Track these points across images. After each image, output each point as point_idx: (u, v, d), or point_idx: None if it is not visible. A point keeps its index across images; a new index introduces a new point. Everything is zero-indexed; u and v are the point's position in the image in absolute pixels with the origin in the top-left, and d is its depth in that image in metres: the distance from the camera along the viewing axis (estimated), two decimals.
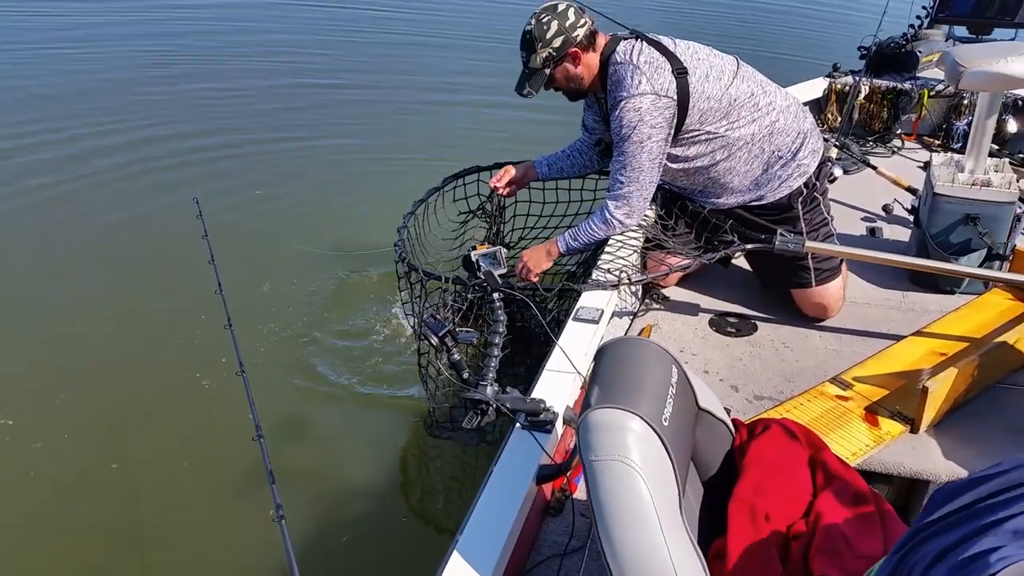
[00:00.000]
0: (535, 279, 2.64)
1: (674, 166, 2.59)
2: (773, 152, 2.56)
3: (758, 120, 2.51)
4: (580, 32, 2.48)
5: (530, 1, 2.61)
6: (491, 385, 1.67)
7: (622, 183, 2.51)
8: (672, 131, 2.47)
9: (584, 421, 1.18)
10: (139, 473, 2.75)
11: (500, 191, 2.93)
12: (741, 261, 2.91)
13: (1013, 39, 3.81)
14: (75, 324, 3.51)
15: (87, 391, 3.10)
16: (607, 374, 1.27)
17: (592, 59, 2.52)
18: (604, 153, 2.84)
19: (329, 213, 4.61)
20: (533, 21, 2.50)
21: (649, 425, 1.16)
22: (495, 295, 1.83)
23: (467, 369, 1.70)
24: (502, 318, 1.81)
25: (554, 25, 2.47)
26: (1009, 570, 0.78)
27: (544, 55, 2.50)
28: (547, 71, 2.53)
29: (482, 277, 1.84)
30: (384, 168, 5.23)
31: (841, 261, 2.68)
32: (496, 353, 1.76)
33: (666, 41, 2.50)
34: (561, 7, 2.50)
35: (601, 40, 2.53)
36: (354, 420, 3.05)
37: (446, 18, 9.10)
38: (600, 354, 1.34)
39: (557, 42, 2.48)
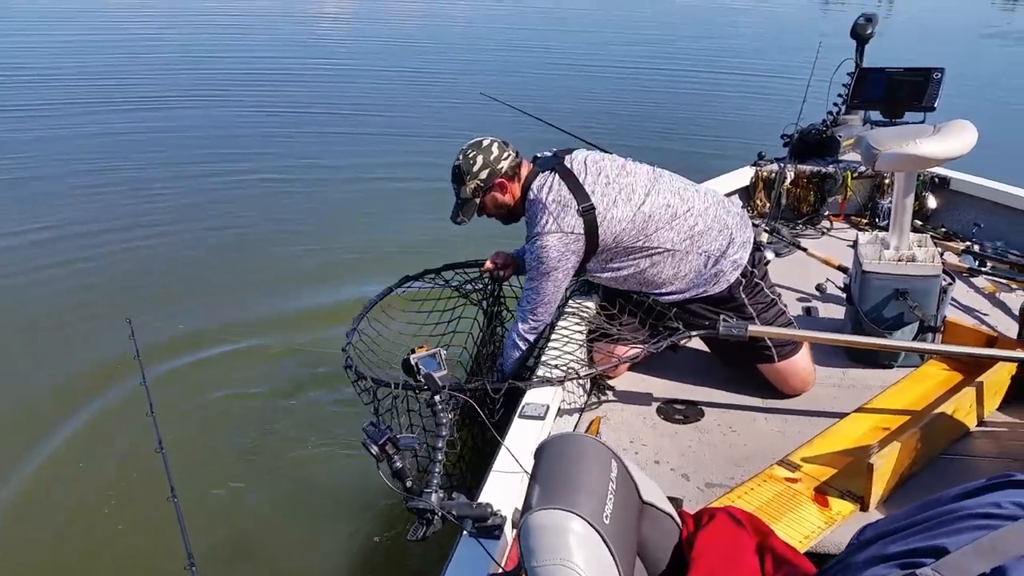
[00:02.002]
0: None
1: (603, 276, 2.76)
2: (701, 253, 2.67)
3: (676, 227, 2.65)
4: (504, 164, 2.71)
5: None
6: (436, 492, 1.63)
7: (531, 305, 2.75)
8: (580, 258, 2.68)
9: (524, 525, 1.16)
10: None
11: (497, 273, 3.08)
12: (690, 343, 2.94)
13: (923, 121, 4.00)
14: None
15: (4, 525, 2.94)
16: (546, 473, 1.26)
17: (517, 188, 2.74)
18: None
19: (279, 318, 4.43)
20: (460, 156, 2.74)
21: (590, 525, 1.15)
22: (436, 398, 1.81)
23: (410, 477, 1.67)
24: (444, 421, 1.79)
25: (480, 159, 2.70)
26: None
27: (473, 186, 2.72)
28: (477, 200, 2.75)
29: (422, 380, 1.82)
30: (341, 259, 5.12)
31: None
32: (440, 458, 1.73)
33: (578, 167, 2.68)
34: (485, 142, 2.73)
35: (524, 170, 2.75)
36: (298, 542, 2.92)
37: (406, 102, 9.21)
38: (539, 452, 1.33)
39: (483, 174, 2.70)
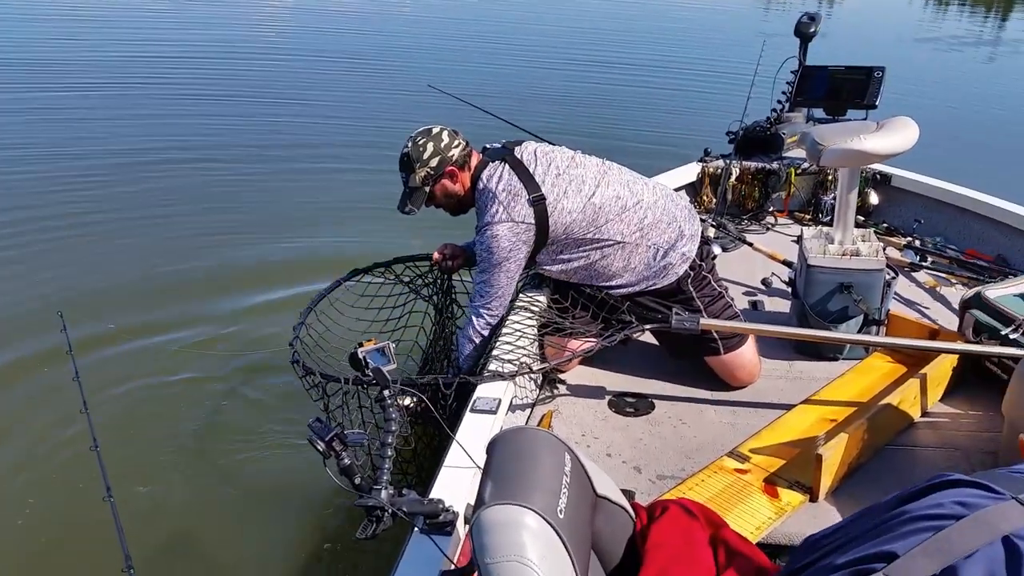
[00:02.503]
0: None
1: (553, 268, 2.74)
2: (650, 245, 2.67)
3: (626, 219, 2.64)
4: (455, 152, 2.66)
5: None
6: (385, 489, 1.58)
7: (483, 299, 2.70)
8: (531, 249, 2.65)
9: (477, 521, 1.13)
10: None
11: (446, 264, 2.99)
12: (640, 336, 2.95)
13: (865, 118, 4.08)
14: None
15: None
16: (499, 468, 1.23)
17: (467, 178, 2.69)
18: None
19: (223, 314, 4.29)
20: (409, 144, 2.67)
21: (545, 519, 1.12)
22: (385, 393, 1.77)
23: (359, 473, 1.63)
24: (394, 416, 1.75)
25: (430, 146, 2.64)
26: None
27: (423, 174, 2.65)
28: (426, 188, 2.68)
29: (371, 375, 1.78)
30: (283, 250, 4.98)
31: None
32: (389, 454, 1.69)
33: (528, 158, 2.66)
34: (435, 130, 2.68)
35: (474, 160, 2.71)
36: (243, 542, 2.84)
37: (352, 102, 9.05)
38: (491, 447, 1.31)
39: (434, 162, 2.64)
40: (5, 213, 5.37)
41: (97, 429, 1.86)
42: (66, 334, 2.24)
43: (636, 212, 2.66)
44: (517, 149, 2.69)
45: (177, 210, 5.60)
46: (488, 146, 2.75)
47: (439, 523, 1.62)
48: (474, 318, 2.73)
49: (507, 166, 2.63)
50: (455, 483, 1.87)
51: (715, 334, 2.68)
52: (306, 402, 2.61)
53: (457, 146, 2.67)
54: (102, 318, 4.05)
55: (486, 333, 2.74)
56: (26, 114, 7.72)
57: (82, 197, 5.72)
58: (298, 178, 6.34)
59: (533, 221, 2.58)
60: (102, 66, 9.81)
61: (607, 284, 2.73)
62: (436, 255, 3.01)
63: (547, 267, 2.75)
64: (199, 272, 4.71)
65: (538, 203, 2.58)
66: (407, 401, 2.73)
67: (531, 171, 2.62)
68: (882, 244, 3.02)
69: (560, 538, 1.13)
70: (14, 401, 3.44)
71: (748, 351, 2.77)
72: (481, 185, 2.64)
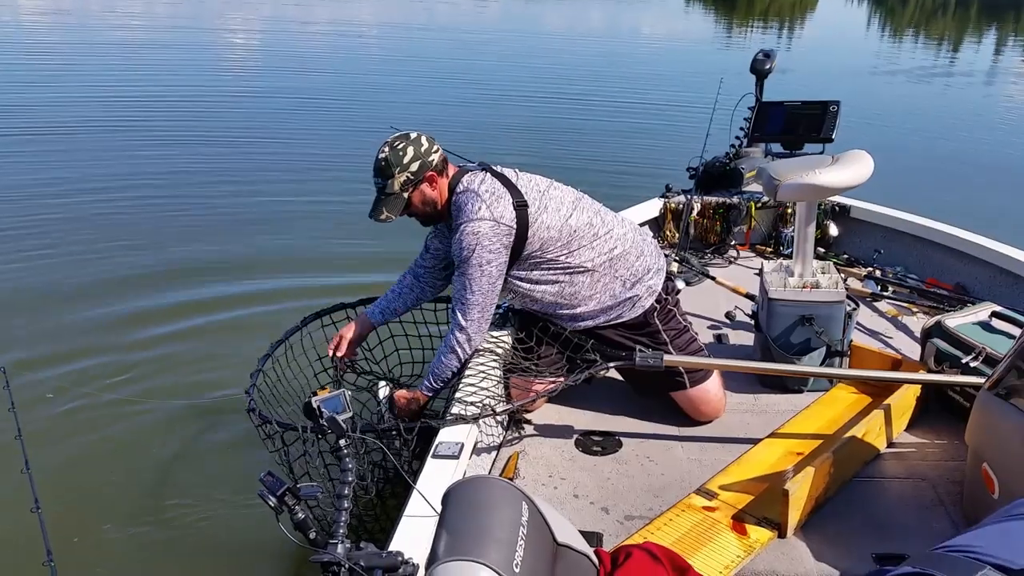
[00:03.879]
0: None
1: (521, 287, 2.67)
2: (617, 276, 2.67)
3: (597, 247, 2.63)
4: (435, 157, 2.59)
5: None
6: (342, 543, 1.53)
7: (465, 305, 2.59)
8: (509, 257, 2.56)
9: None
10: None
11: (341, 356, 2.92)
12: (606, 373, 2.92)
13: (822, 152, 4.14)
14: None
15: None
16: (453, 520, 1.19)
17: (444, 184, 2.62)
18: (438, 269, 2.92)
19: (171, 363, 4.08)
20: (387, 149, 2.57)
21: (499, 575, 1.08)
22: (341, 442, 1.72)
23: (313, 528, 1.57)
24: (350, 466, 1.69)
25: (410, 151, 2.56)
26: None
27: (402, 179, 2.56)
28: (405, 195, 2.59)
29: (325, 424, 1.73)
30: (238, 295, 4.79)
31: None
32: (346, 506, 1.64)
33: (510, 173, 2.64)
34: (413, 135, 2.60)
35: (451, 169, 2.64)
36: None
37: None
38: (446, 498, 1.27)
39: (414, 167, 2.56)
40: None
41: (39, 488, 1.79)
42: (8, 391, 2.16)
43: (607, 242, 2.65)
44: (494, 167, 2.66)
45: (122, 248, 5.42)
46: (460, 165, 2.71)
47: None
48: (456, 332, 2.62)
49: (489, 174, 2.60)
50: (416, 534, 1.82)
51: (680, 369, 2.67)
52: (261, 451, 2.54)
53: (436, 151, 2.60)
54: (45, 364, 3.89)
55: (468, 348, 2.64)
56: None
57: (31, 238, 5.56)
58: (252, 218, 6.22)
59: (515, 225, 2.52)
60: (67, 95, 9.74)
61: (573, 312, 2.70)
62: (329, 351, 2.92)
63: (516, 284, 2.66)
64: (147, 313, 4.55)
65: (521, 208, 2.53)
66: (383, 392, 2.68)
67: (513, 182, 2.59)
68: (842, 275, 3.04)
69: None
70: None
71: (713, 385, 2.75)
72: (462, 188, 2.57)
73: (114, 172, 7.12)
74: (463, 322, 2.60)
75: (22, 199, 6.36)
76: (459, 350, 2.64)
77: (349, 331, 2.92)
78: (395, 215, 2.62)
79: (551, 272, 2.63)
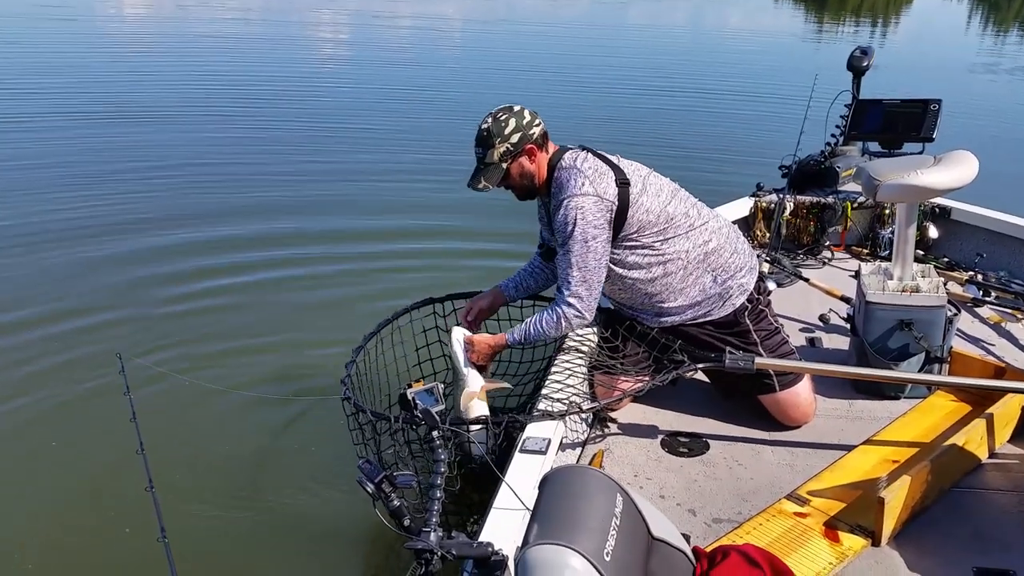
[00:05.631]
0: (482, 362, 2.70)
1: (614, 270, 2.63)
2: (710, 270, 2.63)
3: (692, 238, 2.61)
4: (536, 131, 2.60)
5: None
6: (435, 531, 1.56)
7: (571, 282, 2.56)
8: (611, 234, 2.55)
9: (521, 561, 1.11)
10: None
11: (470, 321, 2.92)
12: (692, 374, 2.89)
13: (922, 152, 3.99)
14: None
15: None
16: (547, 507, 1.21)
17: (544, 159, 2.63)
18: (545, 257, 2.92)
19: (269, 352, 4.25)
20: (490, 119, 2.60)
21: (589, 561, 1.09)
22: (434, 433, 1.76)
23: (408, 515, 1.61)
24: (443, 457, 1.73)
25: (512, 122, 2.58)
26: None
27: (502, 150, 2.58)
28: (504, 165, 2.60)
29: (419, 415, 1.77)
30: (328, 300, 4.91)
31: None
32: (438, 495, 1.67)
33: (611, 156, 2.64)
34: (516, 108, 2.62)
35: (551, 147, 2.66)
36: None
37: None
38: (542, 485, 1.29)
39: (515, 138, 2.57)
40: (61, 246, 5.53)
41: (152, 470, 1.88)
42: (124, 376, 2.28)
43: (702, 234, 2.63)
44: (594, 150, 2.68)
45: (230, 245, 5.64)
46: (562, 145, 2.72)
47: (489, 566, 1.59)
48: (563, 306, 2.57)
49: (590, 153, 2.62)
50: (505, 525, 1.84)
51: (770, 371, 2.62)
52: (348, 439, 2.61)
53: (538, 125, 2.61)
54: (156, 355, 4.11)
55: (573, 324, 2.60)
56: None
57: (145, 237, 5.84)
58: (350, 212, 6.37)
59: (616, 201, 2.52)
60: (119, 96, 10.09)
61: (662, 304, 2.67)
62: (461, 318, 2.93)
63: (610, 267, 2.63)
64: (255, 307, 4.76)
65: (623, 186, 2.53)
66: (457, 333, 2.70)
67: (615, 162, 2.60)
68: (943, 279, 2.93)
69: None
70: (72, 438, 3.50)
71: (803, 389, 2.69)
72: (566, 163, 2.59)
73: (227, 171, 7.35)
74: (570, 298, 2.57)
75: (143, 191, 6.65)
76: (563, 322, 2.59)
77: (482, 300, 2.94)
78: (492, 185, 2.62)
79: (645, 258, 2.60)
